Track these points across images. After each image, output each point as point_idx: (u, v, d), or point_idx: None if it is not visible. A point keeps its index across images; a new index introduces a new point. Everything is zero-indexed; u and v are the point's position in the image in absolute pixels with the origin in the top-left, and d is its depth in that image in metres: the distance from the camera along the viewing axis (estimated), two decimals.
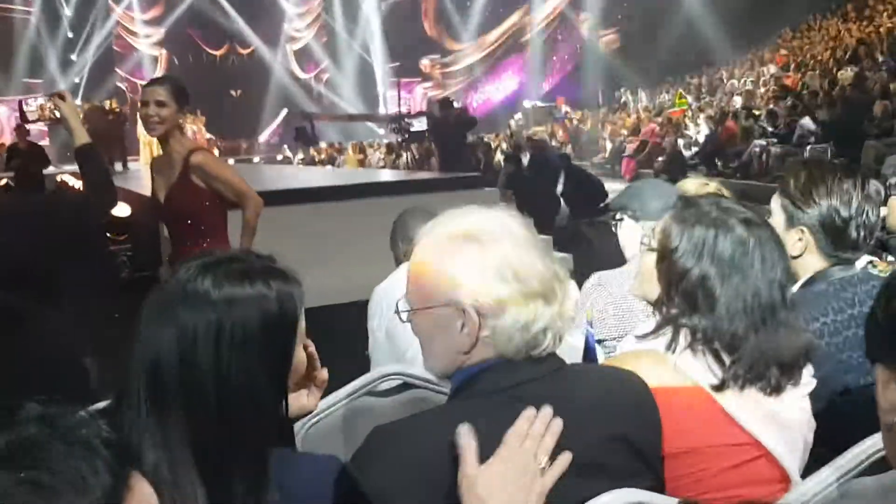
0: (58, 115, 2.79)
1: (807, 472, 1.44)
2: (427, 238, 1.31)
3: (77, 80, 25.00)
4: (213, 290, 1.10)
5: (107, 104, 15.67)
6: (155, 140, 3.47)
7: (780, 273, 1.43)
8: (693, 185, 2.72)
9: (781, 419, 1.43)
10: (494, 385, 1.22)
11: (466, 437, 1.11)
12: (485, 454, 1.12)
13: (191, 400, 1.09)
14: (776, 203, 1.93)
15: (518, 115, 22.96)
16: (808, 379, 1.49)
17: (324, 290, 6.77)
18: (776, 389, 1.41)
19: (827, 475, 1.31)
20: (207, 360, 1.09)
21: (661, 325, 1.51)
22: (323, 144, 25.50)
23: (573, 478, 1.18)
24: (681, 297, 1.46)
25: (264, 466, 1.12)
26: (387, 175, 12.15)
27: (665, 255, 1.51)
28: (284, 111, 26.86)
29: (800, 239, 1.85)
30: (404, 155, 18.55)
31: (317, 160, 23.78)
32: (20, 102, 2.99)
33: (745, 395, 1.41)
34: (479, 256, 1.22)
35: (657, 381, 1.41)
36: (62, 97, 2.81)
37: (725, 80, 20.21)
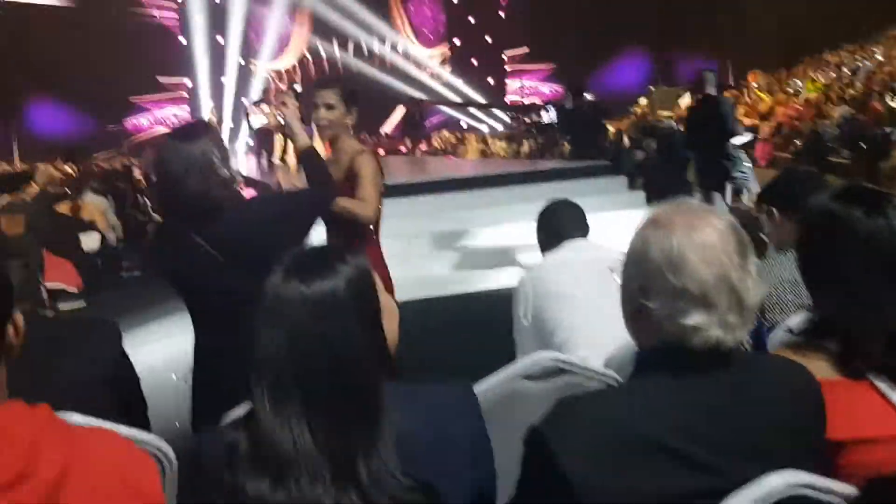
0: (282, 121, 2.87)
1: None
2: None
3: (223, 79, 26.32)
4: (303, 287, 1.28)
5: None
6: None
7: None
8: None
9: None
10: (663, 371, 1.33)
11: None
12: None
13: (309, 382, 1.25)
14: None
15: (643, 99, 22.42)
16: None
17: (467, 278, 6.96)
18: None
19: None
20: (315, 343, 1.26)
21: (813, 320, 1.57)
22: (446, 134, 25.79)
23: (739, 462, 1.27)
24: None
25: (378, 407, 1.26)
26: (515, 165, 12.23)
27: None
28: (401, 108, 27.20)
29: None
30: (526, 144, 18.56)
31: (439, 150, 24.12)
32: (245, 112, 3.10)
33: None
34: (652, 239, 1.33)
35: (819, 374, 1.45)
36: (285, 104, 2.85)
37: (867, 59, 19.07)
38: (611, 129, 18.08)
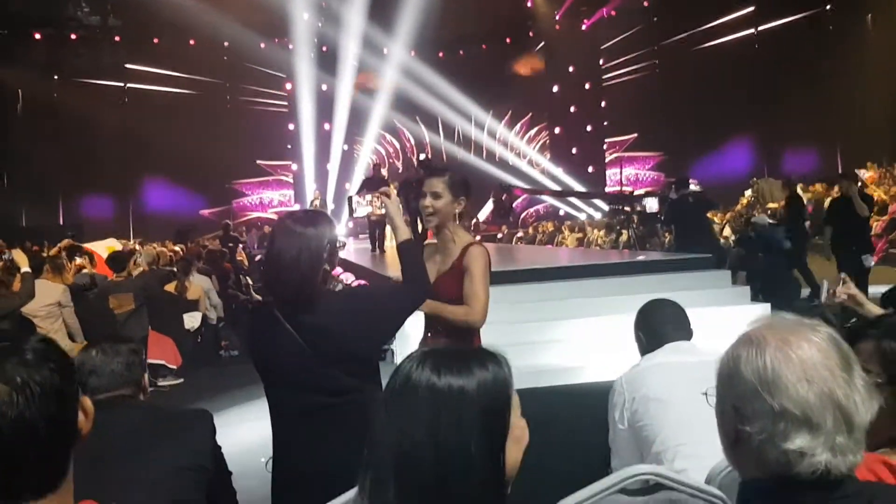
0: (382, 211, 2.89)
1: None
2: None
3: (328, 165, 27.45)
4: (434, 377, 1.24)
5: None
6: None
7: None
8: None
9: None
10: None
11: None
12: None
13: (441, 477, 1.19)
14: None
15: (748, 192, 21.87)
16: None
17: (561, 370, 6.79)
18: None
19: None
20: (427, 436, 1.21)
21: None
22: (542, 222, 25.85)
23: None
24: None
25: None
26: (613, 256, 12.05)
27: None
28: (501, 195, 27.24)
29: None
30: (625, 233, 18.33)
31: (537, 235, 24.16)
32: (349, 199, 3.12)
33: None
34: (743, 357, 1.24)
35: None
36: (388, 195, 2.81)
37: None
38: (716, 220, 17.70)
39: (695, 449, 2.35)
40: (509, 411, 1.29)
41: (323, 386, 2.37)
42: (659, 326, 2.80)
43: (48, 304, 7.19)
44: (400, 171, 26.58)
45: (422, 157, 10.72)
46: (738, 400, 1.23)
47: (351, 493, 1.33)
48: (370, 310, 2.47)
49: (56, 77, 25.69)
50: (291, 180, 28.95)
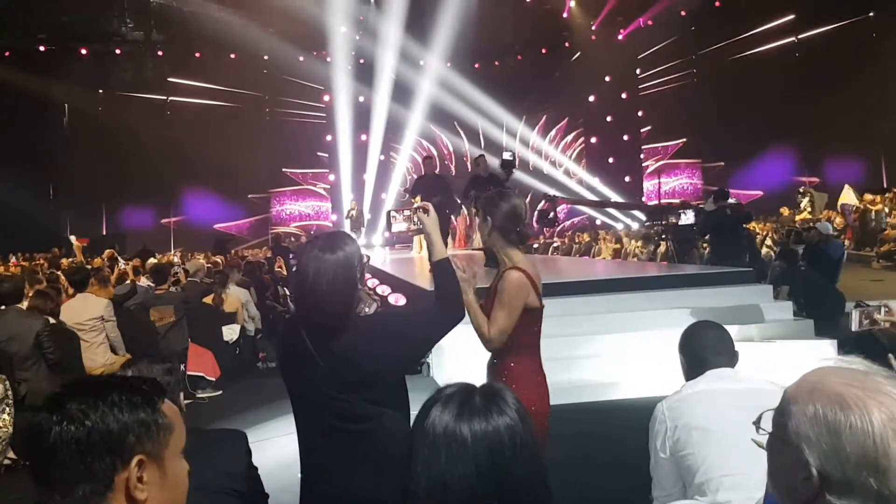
0: (420, 227, 2.81)
1: None
2: (810, 382, 1.21)
3: (364, 175, 27.61)
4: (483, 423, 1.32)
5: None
6: None
7: None
8: None
9: None
10: None
11: None
12: None
13: None
14: None
15: (804, 201, 21.45)
16: None
17: (598, 386, 6.71)
18: None
19: None
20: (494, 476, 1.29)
21: None
22: (585, 234, 25.71)
23: None
24: None
25: None
26: (651, 269, 11.91)
27: None
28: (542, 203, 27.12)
29: None
30: (663, 244, 18.14)
31: (572, 246, 24.03)
32: (388, 213, 3.10)
33: None
34: (842, 425, 1.12)
35: None
36: (426, 211, 2.77)
37: None
38: (757, 229, 17.39)
39: (739, 480, 2.31)
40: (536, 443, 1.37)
41: (341, 411, 2.37)
42: (700, 351, 2.75)
43: (92, 318, 7.32)
44: None
45: (506, 155, 10.43)
46: (830, 467, 1.12)
47: None
48: (396, 338, 2.45)
49: (101, 91, 26.33)
50: (327, 193, 29.15)
